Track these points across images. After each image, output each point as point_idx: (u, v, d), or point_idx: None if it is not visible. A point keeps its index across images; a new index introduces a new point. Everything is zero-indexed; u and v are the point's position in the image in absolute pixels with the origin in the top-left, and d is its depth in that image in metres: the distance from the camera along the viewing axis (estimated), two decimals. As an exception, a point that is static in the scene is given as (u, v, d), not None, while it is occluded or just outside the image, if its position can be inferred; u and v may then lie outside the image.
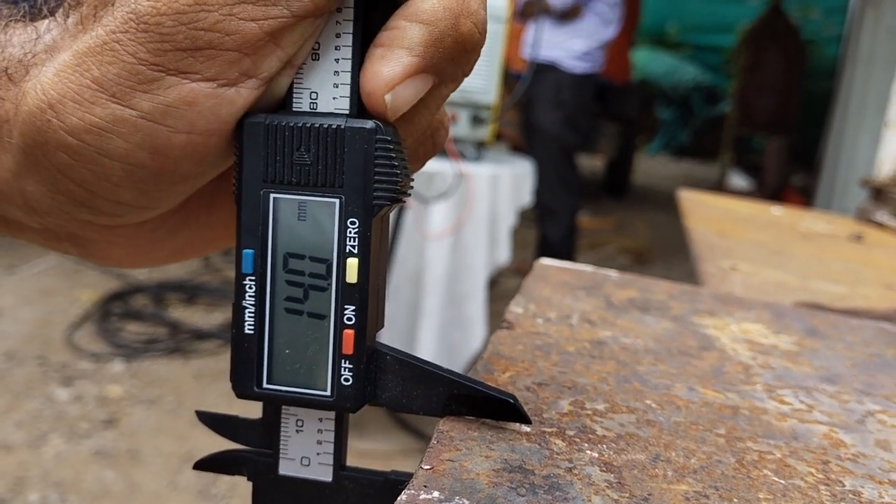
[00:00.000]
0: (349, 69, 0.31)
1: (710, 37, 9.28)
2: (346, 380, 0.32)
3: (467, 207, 2.39)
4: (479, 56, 0.31)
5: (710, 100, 9.39)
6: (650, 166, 8.87)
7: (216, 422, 0.36)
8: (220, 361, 2.93)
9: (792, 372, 0.48)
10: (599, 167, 7.26)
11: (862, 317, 0.68)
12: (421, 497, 0.29)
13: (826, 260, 1.08)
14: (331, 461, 0.34)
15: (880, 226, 1.40)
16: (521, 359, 0.43)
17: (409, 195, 0.33)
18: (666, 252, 5.09)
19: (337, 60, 0.31)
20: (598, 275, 0.65)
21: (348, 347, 0.31)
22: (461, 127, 2.45)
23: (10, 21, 0.31)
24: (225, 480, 2.16)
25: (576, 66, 3.66)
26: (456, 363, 2.38)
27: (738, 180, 6.75)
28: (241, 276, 0.32)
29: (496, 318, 0.51)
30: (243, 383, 0.32)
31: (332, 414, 0.34)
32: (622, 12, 3.84)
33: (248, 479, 0.36)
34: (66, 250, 0.35)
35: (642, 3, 6.62)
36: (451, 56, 0.30)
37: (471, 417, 0.35)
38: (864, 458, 0.37)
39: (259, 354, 0.32)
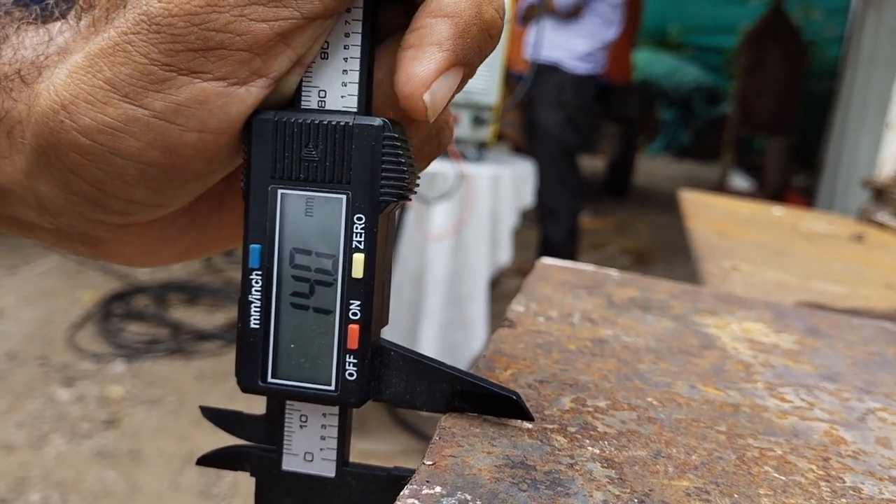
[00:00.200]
0: (357, 68, 0.31)
1: (712, 38, 9.28)
2: (351, 375, 0.32)
3: (468, 208, 2.39)
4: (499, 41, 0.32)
5: (711, 100, 9.39)
6: (651, 167, 8.87)
7: (220, 417, 0.36)
8: (222, 362, 2.94)
9: (792, 370, 0.48)
10: (601, 168, 7.26)
11: (862, 316, 0.68)
12: (423, 492, 0.29)
13: (827, 260, 1.08)
14: (334, 457, 0.35)
15: (881, 226, 1.40)
16: (523, 356, 0.44)
17: (415, 193, 0.33)
18: (667, 253, 5.09)
19: (346, 59, 0.31)
20: (600, 274, 0.65)
21: (353, 342, 0.32)
22: (462, 128, 2.46)
23: (23, 24, 0.31)
24: (226, 481, 2.16)
25: (578, 66, 3.66)
26: (457, 364, 2.36)
27: (740, 181, 6.75)
28: (247, 271, 0.32)
29: (498, 318, 0.51)
30: (248, 378, 0.33)
31: (335, 409, 0.34)
32: (624, 13, 3.84)
33: (252, 475, 0.36)
34: (78, 250, 0.35)
35: (644, 4, 6.62)
36: (477, 44, 0.30)
37: (473, 414, 0.35)
38: (864, 455, 0.37)
39: (264, 349, 0.32)
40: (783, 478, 0.33)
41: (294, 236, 0.32)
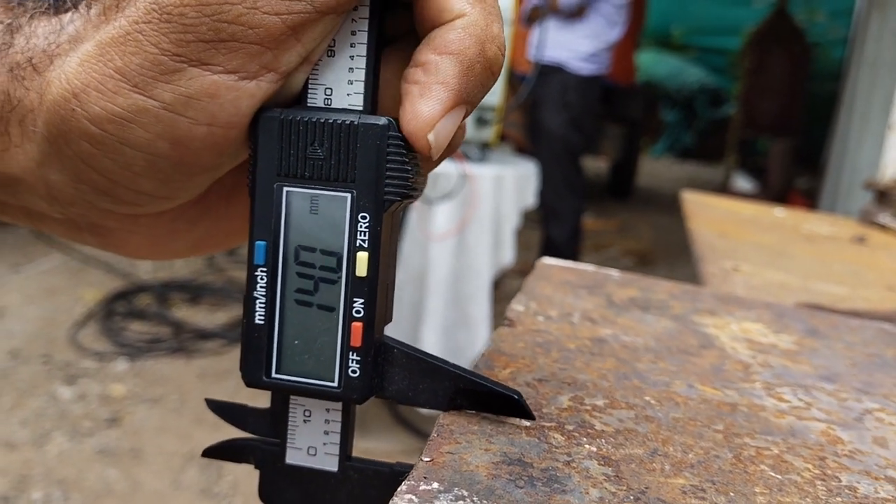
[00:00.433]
0: (363, 66, 0.32)
1: (716, 39, 9.27)
2: (354, 371, 0.32)
3: (471, 208, 2.39)
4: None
5: (714, 102, 9.38)
6: (654, 168, 8.87)
7: (225, 410, 0.37)
8: (224, 361, 2.94)
9: (791, 370, 0.48)
10: (603, 169, 7.26)
11: (863, 317, 0.68)
12: (421, 488, 0.29)
13: (828, 262, 1.08)
14: (337, 451, 0.35)
15: (883, 228, 1.40)
16: (522, 355, 0.44)
17: (420, 192, 0.34)
18: (669, 254, 5.09)
19: (352, 58, 0.32)
20: (600, 274, 0.65)
21: (356, 340, 0.32)
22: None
23: (36, 13, 0.31)
24: (227, 480, 2.17)
25: (582, 67, 3.65)
26: (460, 364, 2.38)
27: (743, 182, 6.74)
28: (253, 268, 0.32)
29: (500, 319, 0.51)
30: (253, 373, 0.33)
31: (339, 405, 0.35)
32: (628, 14, 3.83)
33: (255, 468, 0.36)
34: (87, 240, 0.36)
35: (647, 5, 6.62)
36: (481, 82, 0.31)
37: (471, 412, 0.35)
38: (860, 455, 0.37)
39: (269, 344, 0.33)
40: (779, 476, 0.34)
41: (299, 234, 0.32)
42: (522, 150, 3.72)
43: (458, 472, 0.31)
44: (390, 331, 0.34)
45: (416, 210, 2.38)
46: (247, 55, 0.28)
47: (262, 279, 0.32)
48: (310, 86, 0.32)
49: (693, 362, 0.47)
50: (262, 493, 0.36)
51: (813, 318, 0.62)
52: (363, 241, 0.31)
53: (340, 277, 0.32)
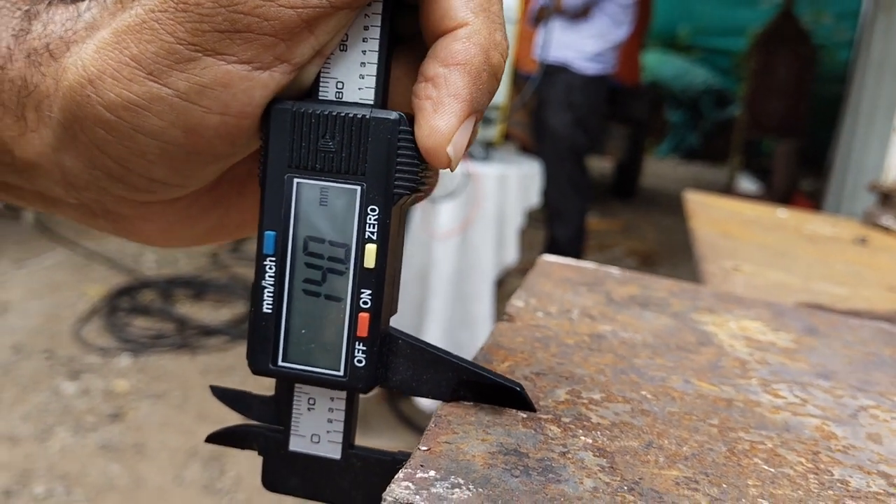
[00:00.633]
0: (375, 61, 0.32)
1: (721, 40, 9.26)
2: (360, 361, 0.33)
3: (475, 207, 2.40)
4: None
5: (719, 103, 9.37)
6: (659, 169, 8.86)
7: (229, 396, 0.37)
8: (227, 357, 2.95)
9: (788, 368, 0.49)
10: (608, 169, 7.25)
11: (862, 317, 0.68)
12: (417, 475, 0.30)
13: (829, 262, 1.08)
14: (340, 439, 0.35)
15: (886, 230, 1.40)
16: (521, 350, 0.44)
17: (431, 188, 0.34)
18: (673, 255, 5.09)
19: (364, 52, 0.32)
20: (600, 272, 0.65)
21: (363, 330, 0.33)
22: (469, 127, 2.46)
23: (54, 0, 0.32)
24: (230, 475, 2.17)
25: (587, 67, 3.65)
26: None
27: (747, 184, 6.74)
28: (261, 257, 0.33)
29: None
30: (259, 360, 0.33)
31: (343, 394, 0.35)
32: (634, 14, 3.83)
33: (259, 454, 0.37)
34: (102, 226, 0.36)
35: (653, 6, 6.62)
36: (487, 90, 0.31)
37: (469, 403, 0.36)
38: (854, 450, 0.38)
39: (276, 333, 0.33)
40: (772, 470, 0.34)
41: (308, 224, 0.33)
42: (527, 149, 3.72)
43: (455, 461, 0.31)
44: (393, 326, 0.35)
45: (419, 208, 2.38)
46: (261, 46, 0.29)
47: (270, 268, 0.33)
48: (322, 79, 0.32)
49: (691, 359, 0.48)
50: (266, 480, 0.36)
51: (812, 318, 0.62)
52: (372, 233, 0.32)
53: (348, 268, 0.32)
